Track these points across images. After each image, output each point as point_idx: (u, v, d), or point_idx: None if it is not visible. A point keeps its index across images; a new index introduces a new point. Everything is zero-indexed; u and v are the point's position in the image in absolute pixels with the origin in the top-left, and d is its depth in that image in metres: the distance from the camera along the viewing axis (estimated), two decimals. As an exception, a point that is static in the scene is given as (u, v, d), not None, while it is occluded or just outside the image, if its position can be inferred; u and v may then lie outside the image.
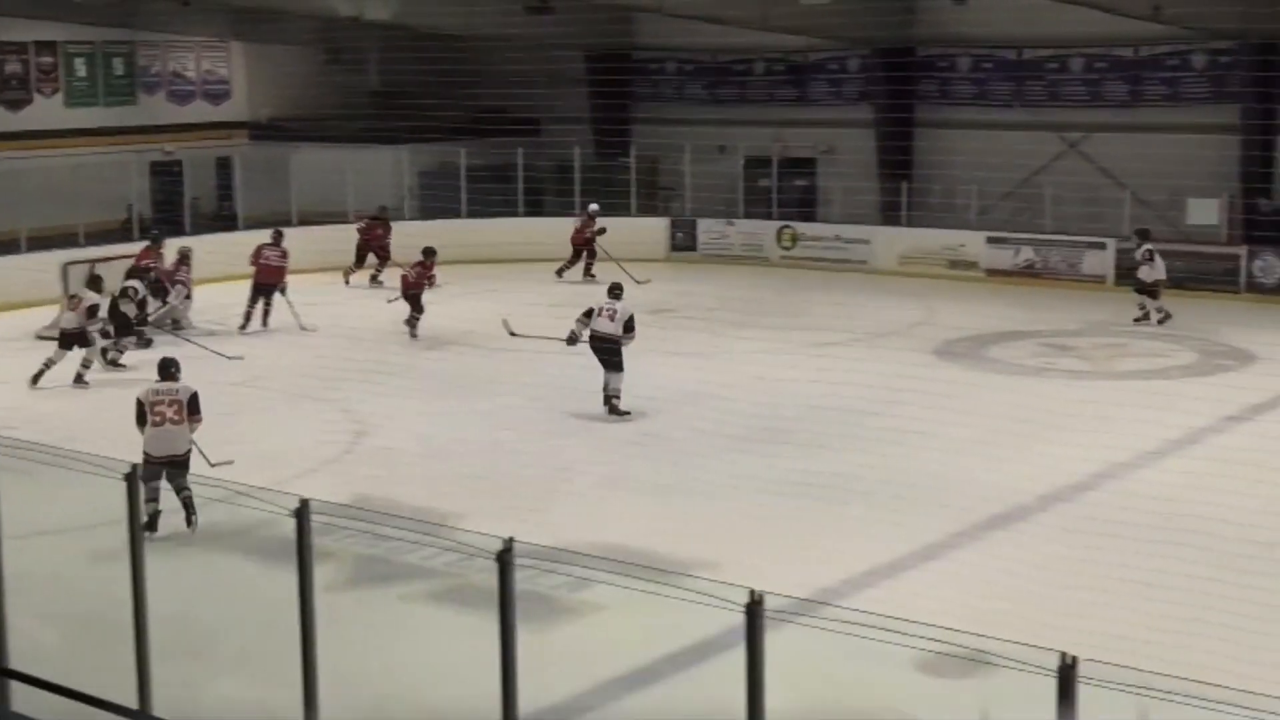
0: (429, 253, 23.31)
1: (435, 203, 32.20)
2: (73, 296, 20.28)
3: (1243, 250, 25.84)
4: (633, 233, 30.93)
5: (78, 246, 25.84)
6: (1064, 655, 5.66)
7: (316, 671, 7.40)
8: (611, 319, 17.26)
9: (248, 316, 22.75)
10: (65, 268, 23.27)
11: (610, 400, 16.95)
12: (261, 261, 23.06)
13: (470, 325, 22.40)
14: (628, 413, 16.66)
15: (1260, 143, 26.77)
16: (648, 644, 10.27)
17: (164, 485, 12.49)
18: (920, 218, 29.55)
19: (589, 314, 17.45)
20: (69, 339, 19.39)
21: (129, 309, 20.90)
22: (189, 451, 12.89)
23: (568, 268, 28.08)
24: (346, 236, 28.40)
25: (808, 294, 26.15)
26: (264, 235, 24.52)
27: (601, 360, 17.16)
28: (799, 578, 10.81)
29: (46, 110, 32.34)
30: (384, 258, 27.64)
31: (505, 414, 17.57)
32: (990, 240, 28.21)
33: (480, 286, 26.36)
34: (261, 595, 11.47)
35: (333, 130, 33.78)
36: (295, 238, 25.01)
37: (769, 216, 31.07)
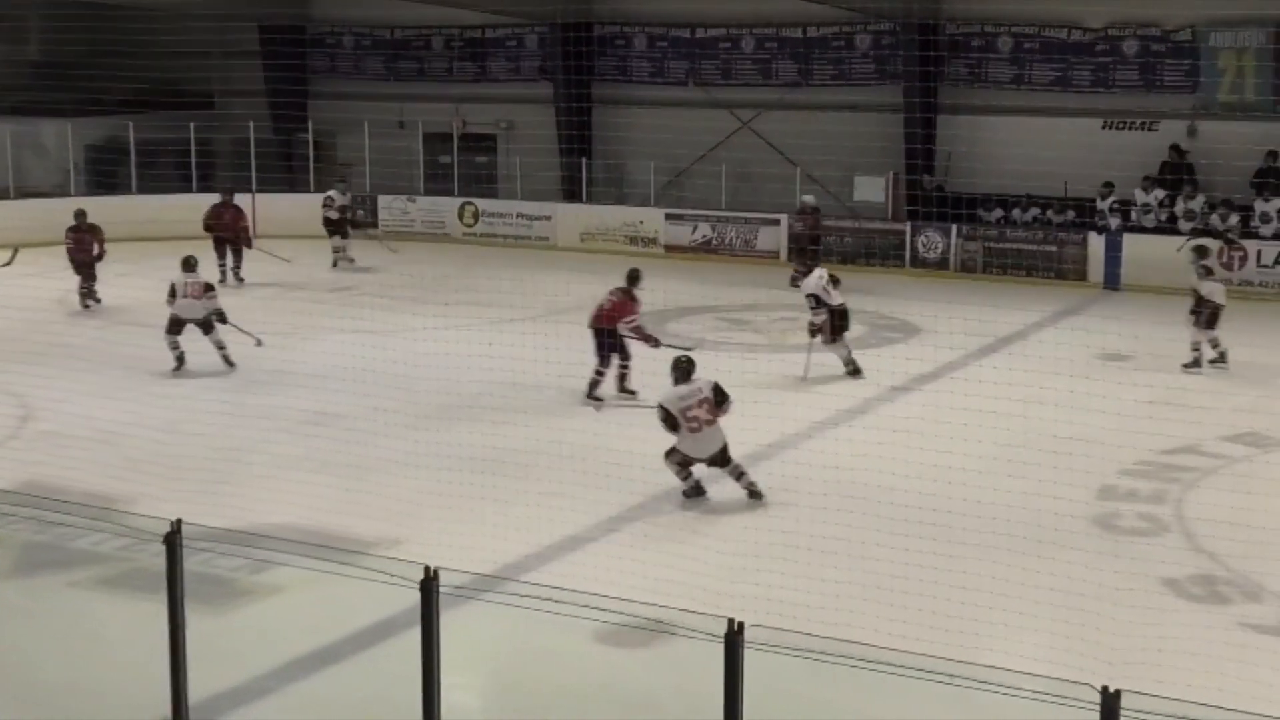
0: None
1: (103, 178, 31.15)
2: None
3: (907, 226, 26.95)
4: (311, 210, 30.50)
5: None
6: (731, 622, 5.86)
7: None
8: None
9: None
10: None
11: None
12: None
13: (143, 305, 21.72)
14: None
15: (921, 121, 27.96)
16: (328, 624, 10.19)
17: None
18: (600, 194, 29.98)
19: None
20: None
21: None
22: None
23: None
24: (4, 213, 27.24)
25: (490, 270, 26.22)
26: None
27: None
28: (483, 553, 10.87)
29: None
30: (242, 246, 25.37)
31: (179, 396, 17.15)
32: (669, 217, 28.78)
33: (151, 265, 25.57)
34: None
35: (-10, 102, 32.34)
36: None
37: (450, 193, 31.06)
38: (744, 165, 28.90)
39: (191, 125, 30.67)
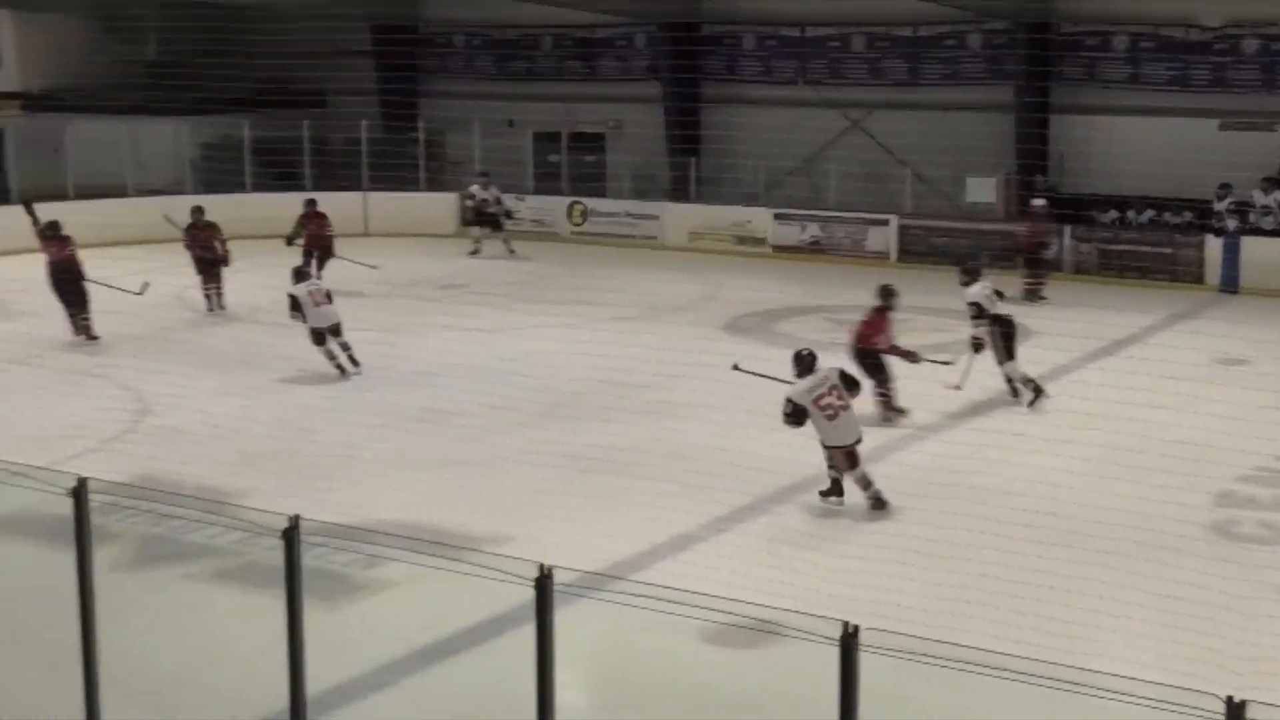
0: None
1: (218, 176, 31.60)
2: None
3: (1019, 228, 26.62)
4: (422, 208, 30.83)
5: None
6: (846, 625, 5.82)
7: (97, 654, 7.27)
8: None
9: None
10: None
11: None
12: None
13: (256, 302, 22.04)
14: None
15: (1034, 121, 27.64)
16: (439, 620, 10.27)
17: None
18: (708, 194, 29.91)
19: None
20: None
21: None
22: None
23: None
24: (125, 210, 27.68)
25: (598, 269, 26.29)
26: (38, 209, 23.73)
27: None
28: (590, 551, 10.89)
29: None
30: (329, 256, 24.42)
31: (291, 392, 17.36)
32: (777, 217, 28.67)
33: (263, 262, 25.91)
34: (39, 578, 11.21)
35: (110, 101, 32.87)
36: (72, 212, 24.29)
37: (559, 192, 31.17)
38: (853, 165, 28.73)
39: (305, 124, 31.00)
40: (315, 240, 24.26)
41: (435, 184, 31.99)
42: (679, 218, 29.69)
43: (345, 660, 9.36)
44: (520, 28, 33.56)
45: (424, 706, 9.21)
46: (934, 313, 20.17)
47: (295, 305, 18.14)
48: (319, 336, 18.09)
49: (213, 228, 23.01)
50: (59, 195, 28.15)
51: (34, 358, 18.94)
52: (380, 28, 34.26)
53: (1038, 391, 16.38)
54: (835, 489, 12.88)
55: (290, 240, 24.02)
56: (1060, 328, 18.32)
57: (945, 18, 28.44)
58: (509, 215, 29.03)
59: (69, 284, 20.19)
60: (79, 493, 7.11)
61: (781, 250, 28.37)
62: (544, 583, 5.96)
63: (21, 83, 34.74)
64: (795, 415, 12.73)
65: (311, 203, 24.82)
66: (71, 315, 20.07)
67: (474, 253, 28.20)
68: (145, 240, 27.81)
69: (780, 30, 30.67)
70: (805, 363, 13.05)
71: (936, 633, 7.94)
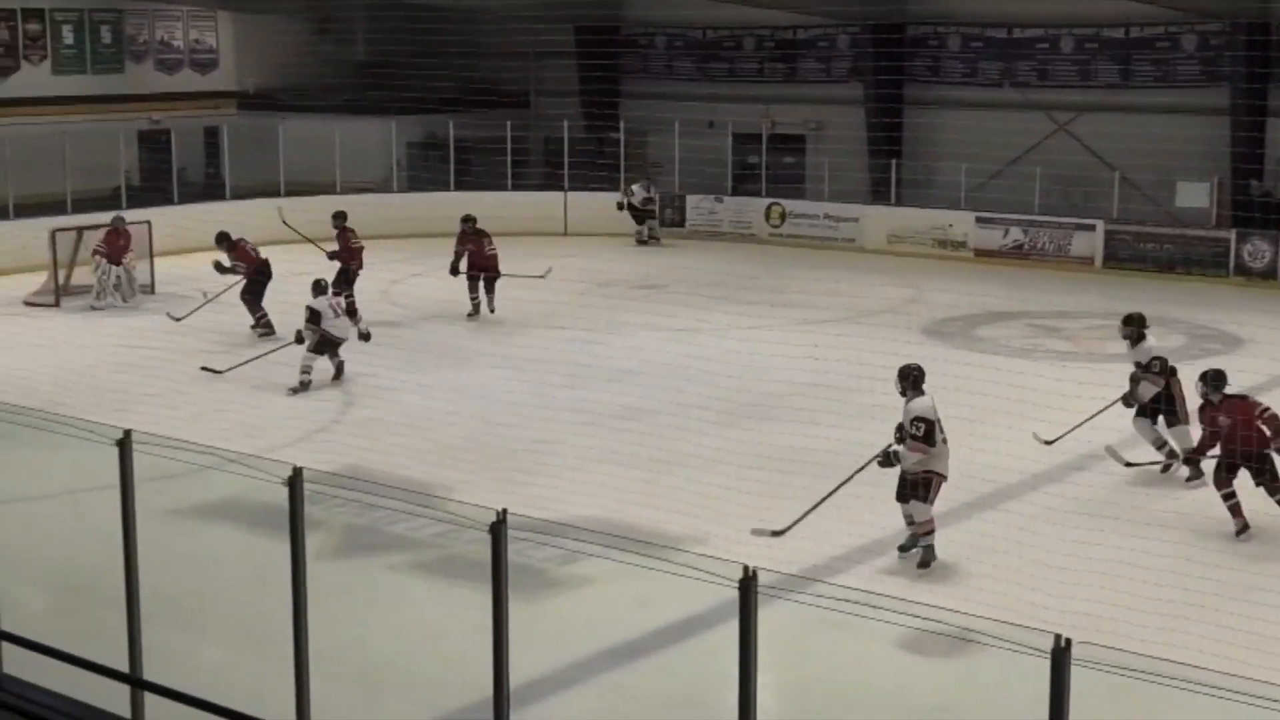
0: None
1: (423, 175, 32.17)
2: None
3: (1232, 234, 25.88)
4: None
5: (65, 214, 25.79)
6: (1059, 638, 5.66)
7: (307, 640, 7.40)
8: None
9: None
10: (53, 234, 23.20)
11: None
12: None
13: (457, 297, 22.34)
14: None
15: (1251, 125, 26.77)
16: (636, 618, 10.30)
17: None
18: (909, 196, 29.56)
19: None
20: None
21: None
22: None
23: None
24: (332, 207, 28.22)
25: (796, 271, 26.16)
26: (252, 206, 24.43)
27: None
28: (786, 554, 10.84)
29: (34, 78, 32.13)
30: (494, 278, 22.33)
31: (492, 386, 17.57)
32: (979, 220, 28.24)
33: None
34: (249, 563, 11.50)
35: (320, 101, 33.68)
36: (283, 206, 24.94)
37: (758, 194, 31.10)
38: (1059, 168, 28.15)
39: (508, 124, 31.37)
40: (476, 261, 22.08)
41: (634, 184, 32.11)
42: (879, 220, 29.41)
43: (541, 655, 9.41)
44: (721, 29, 33.55)
45: (619, 704, 9.23)
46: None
47: (313, 318, 17.63)
48: (326, 347, 17.77)
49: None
50: (272, 191, 28.95)
51: (241, 348, 19.41)
52: (583, 29, 34.53)
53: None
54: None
55: (454, 270, 22.14)
56: (1273, 336, 17.71)
57: (1159, 18, 27.70)
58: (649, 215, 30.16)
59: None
60: (294, 482, 7.24)
61: (983, 254, 27.93)
62: (748, 584, 5.89)
63: (237, 82, 35.78)
64: (929, 437, 11.67)
65: (469, 220, 22.48)
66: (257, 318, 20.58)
67: (644, 241, 29.78)
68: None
69: (987, 31, 30.19)
70: (913, 379, 12.02)
71: (1148, 649, 7.72)
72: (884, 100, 30.81)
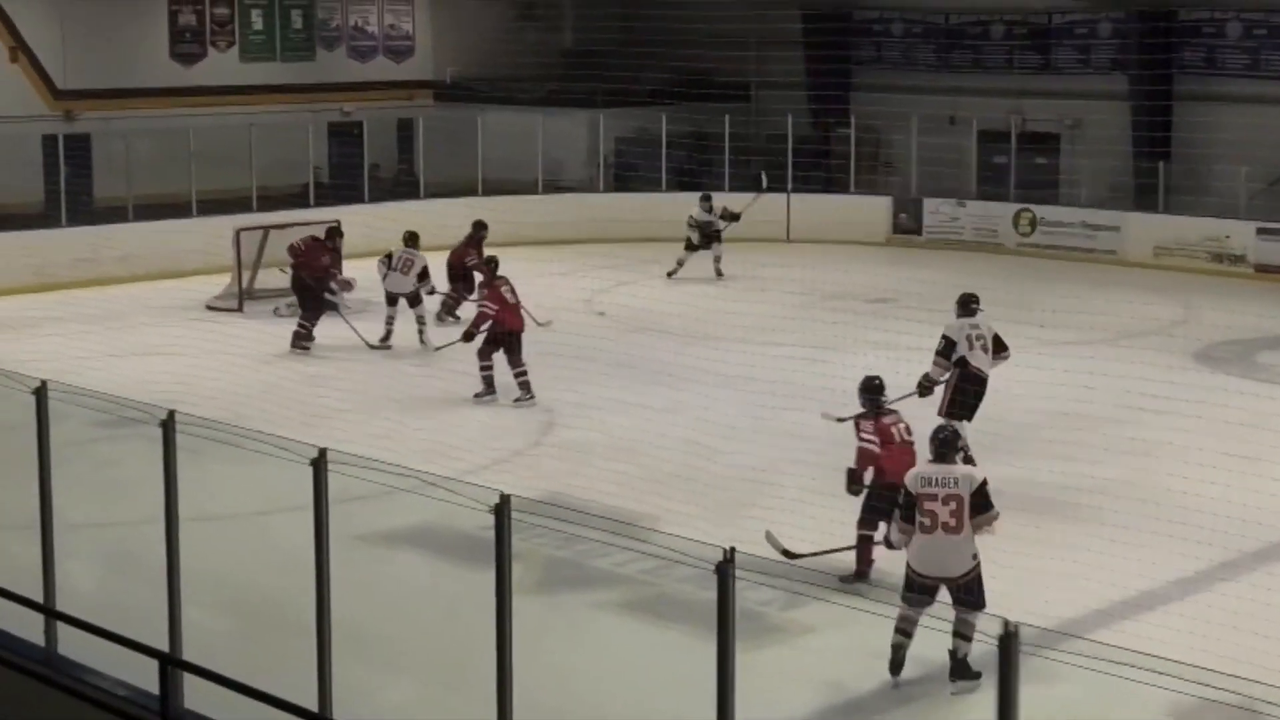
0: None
1: (631, 174, 32.40)
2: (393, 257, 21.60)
3: None
4: (851, 212, 30.81)
5: (250, 211, 26.52)
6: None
7: (511, 680, 7.47)
8: (986, 350, 15.39)
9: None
10: (238, 234, 23.82)
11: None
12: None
13: (666, 309, 22.45)
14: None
15: None
16: (862, 673, 10.19)
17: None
18: (1179, 203, 28.94)
19: (949, 348, 15.32)
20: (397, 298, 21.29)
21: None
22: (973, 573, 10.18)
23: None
24: (532, 208, 28.61)
25: (1047, 286, 25.66)
26: (448, 206, 24.81)
27: (971, 410, 15.16)
28: (1037, 604, 10.63)
29: (221, 65, 33.22)
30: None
31: (704, 408, 17.54)
32: (1261, 231, 27.50)
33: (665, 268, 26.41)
34: (444, 595, 11.68)
35: (523, 92, 34.14)
36: (480, 209, 25.32)
37: (1005, 198, 30.69)
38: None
39: (726, 118, 31.44)
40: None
41: (866, 186, 31.97)
42: (1144, 230, 28.82)
43: (756, 710, 9.35)
44: (966, 14, 33.25)
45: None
46: None
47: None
48: (391, 299, 21.30)
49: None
50: (469, 189, 29.43)
51: (440, 362, 19.74)
52: (811, 14, 34.48)
53: None
54: None
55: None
56: None
57: None
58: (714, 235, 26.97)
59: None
60: (501, 509, 7.31)
61: (1265, 270, 27.18)
62: (1009, 641, 5.77)
63: (434, 71, 36.43)
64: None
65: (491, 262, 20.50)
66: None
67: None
68: (554, 240, 28.80)
69: (1272, 17, 29.40)
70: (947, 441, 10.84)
71: None
72: (1151, 95, 30.18)
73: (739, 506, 13.81)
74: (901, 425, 12.31)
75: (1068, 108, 31.72)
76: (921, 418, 13.11)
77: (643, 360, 20.08)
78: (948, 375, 15.26)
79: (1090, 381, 15.72)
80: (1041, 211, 30.07)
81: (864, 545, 12.09)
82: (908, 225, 30.98)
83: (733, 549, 6.69)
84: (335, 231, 22.22)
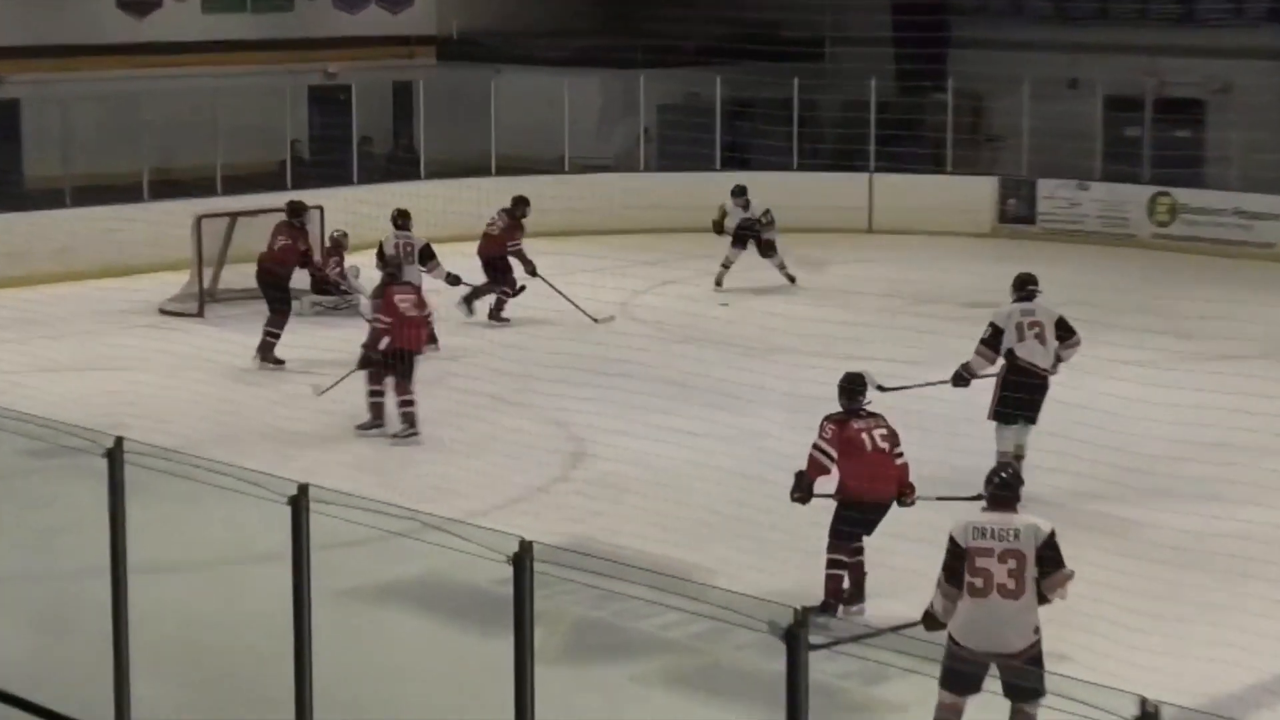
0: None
1: (677, 147, 32.38)
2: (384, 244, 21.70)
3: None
4: (948, 196, 30.76)
5: (214, 195, 26.51)
6: None
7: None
8: (1042, 339, 15.84)
9: None
10: (199, 222, 23.72)
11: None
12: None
13: (719, 314, 22.46)
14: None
15: None
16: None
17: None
18: (1356, 187, 28.92)
19: (995, 337, 15.77)
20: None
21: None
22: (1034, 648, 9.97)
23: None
24: (557, 191, 28.59)
25: (1192, 287, 25.68)
26: (454, 187, 24.84)
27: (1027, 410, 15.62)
28: (1181, 678, 10.60)
29: (179, 18, 33.20)
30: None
31: (757, 433, 17.51)
32: None
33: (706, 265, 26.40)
34: (451, 663, 11.68)
35: (545, 50, 34.15)
36: (492, 190, 25.35)
37: (1138, 179, 30.65)
38: None
39: (795, 81, 31.40)
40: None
41: (967, 164, 31.92)
42: (1310, 219, 28.81)
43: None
44: (1091, -46, 33.28)
45: None
46: None
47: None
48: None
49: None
50: (482, 168, 29.41)
51: (449, 377, 19.75)
52: (901, -42, 34.60)
53: None
54: None
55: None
56: None
57: None
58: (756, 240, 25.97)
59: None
60: (521, 559, 7.31)
61: None
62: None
63: (437, 24, 36.44)
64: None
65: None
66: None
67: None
68: (583, 230, 28.76)
69: None
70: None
71: None
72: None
73: (809, 556, 13.74)
74: (880, 432, 12.71)
75: (1215, 68, 31.66)
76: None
77: (691, 377, 20.06)
78: (992, 368, 15.63)
79: (1244, 404, 15.67)
80: (1183, 196, 30.02)
81: (834, 571, 12.60)
82: (1018, 212, 30.94)
83: (805, 608, 6.69)
84: (299, 207, 21.79)
